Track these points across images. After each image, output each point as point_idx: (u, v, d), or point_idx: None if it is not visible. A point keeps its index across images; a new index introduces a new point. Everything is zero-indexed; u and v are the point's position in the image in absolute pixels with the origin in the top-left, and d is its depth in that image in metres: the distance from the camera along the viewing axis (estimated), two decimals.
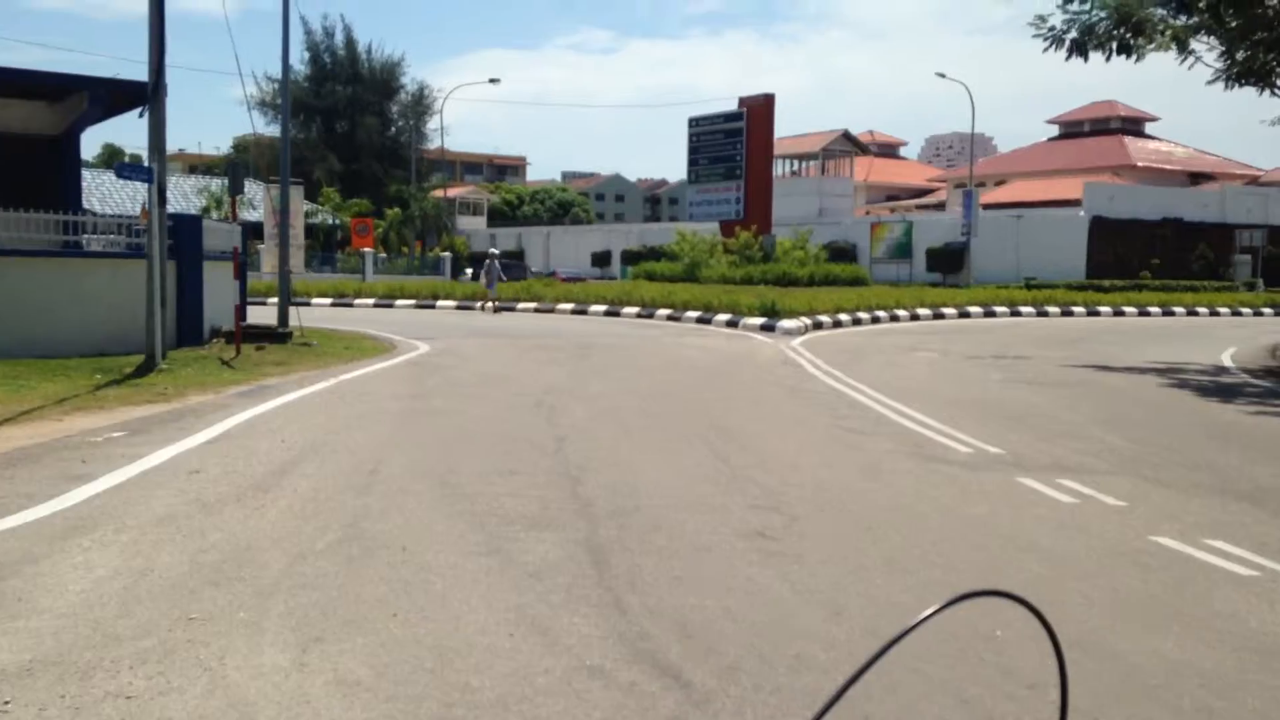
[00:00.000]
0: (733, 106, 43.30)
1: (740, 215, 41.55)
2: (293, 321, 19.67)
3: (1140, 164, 69.41)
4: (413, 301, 33.34)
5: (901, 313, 29.26)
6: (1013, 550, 5.58)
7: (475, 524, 5.92)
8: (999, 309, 32.71)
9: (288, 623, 4.27)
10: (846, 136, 62.48)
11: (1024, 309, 33.36)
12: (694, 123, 44.54)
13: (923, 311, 30.11)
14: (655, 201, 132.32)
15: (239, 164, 15.49)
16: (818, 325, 24.97)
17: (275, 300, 21.88)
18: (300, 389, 12.02)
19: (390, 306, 32.67)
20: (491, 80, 53.62)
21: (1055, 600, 4.70)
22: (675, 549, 5.46)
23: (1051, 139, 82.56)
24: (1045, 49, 18.64)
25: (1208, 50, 19.29)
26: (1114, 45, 18.52)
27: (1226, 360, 19.43)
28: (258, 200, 40.13)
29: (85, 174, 38.82)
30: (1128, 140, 75.28)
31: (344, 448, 8.22)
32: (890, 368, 16.25)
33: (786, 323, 23.88)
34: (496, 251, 33.41)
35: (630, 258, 60.91)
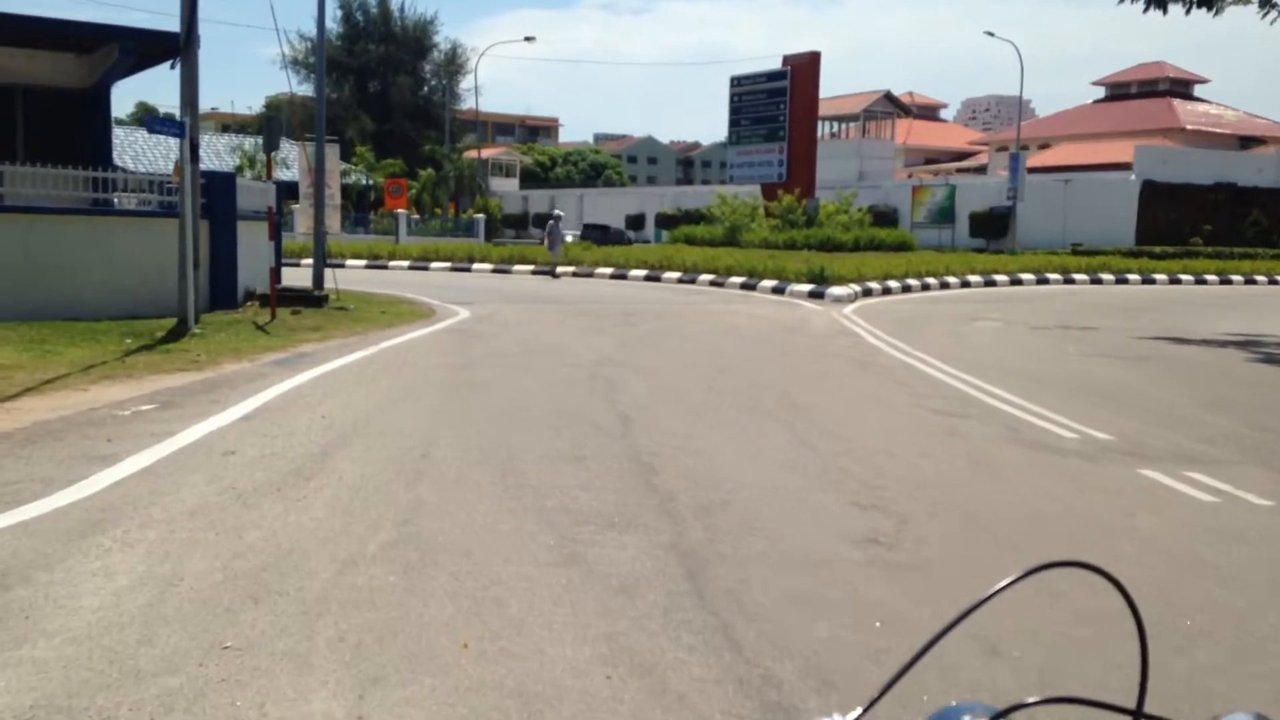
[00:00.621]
0: (776, 65, 41.99)
1: (783, 178, 40.40)
2: (328, 284, 19.04)
3: (1190, 127, 67.49)
4: (448, 264, 32.62)
5: (952, 279, 28.28)
6: (1178, 568, 4.80)
7: (545, 523, 5.21)
8: (1052, 276, 31.62)
9: (339, 655, 3.58)
10: (888, 98, 61.01)
11: (1077, 276, 32.22)
12: (735, 82, 43.22)
13: (973, 278, 29.11)
14: (688, 164, 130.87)
15: (275, 118, 14.78)
16: (867, 292, 24.08)
17: (310, 261, 21.26)
18: (339, 357, 11.36)
19: (425, 269, 31.99)
20: (527, 38, 52.89)
21: (1262, 637, 3.94)
22: (779, 559, 4.73)
23: (1097, 101, 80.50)
24: (1121, 1, 17.60)
25: None
26: None
27: None
28: (292, 159, 39.52)
29: (118, 131, 38.38)
30: (1176, 103, 73.23)
31: (391, 427, 7.53)
32: (955, 339, 15.41)
33: (836, 289, 23.01)
34: (560, 213, 31.13)
35: (665, 221, 59.89)
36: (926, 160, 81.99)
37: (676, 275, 27.85)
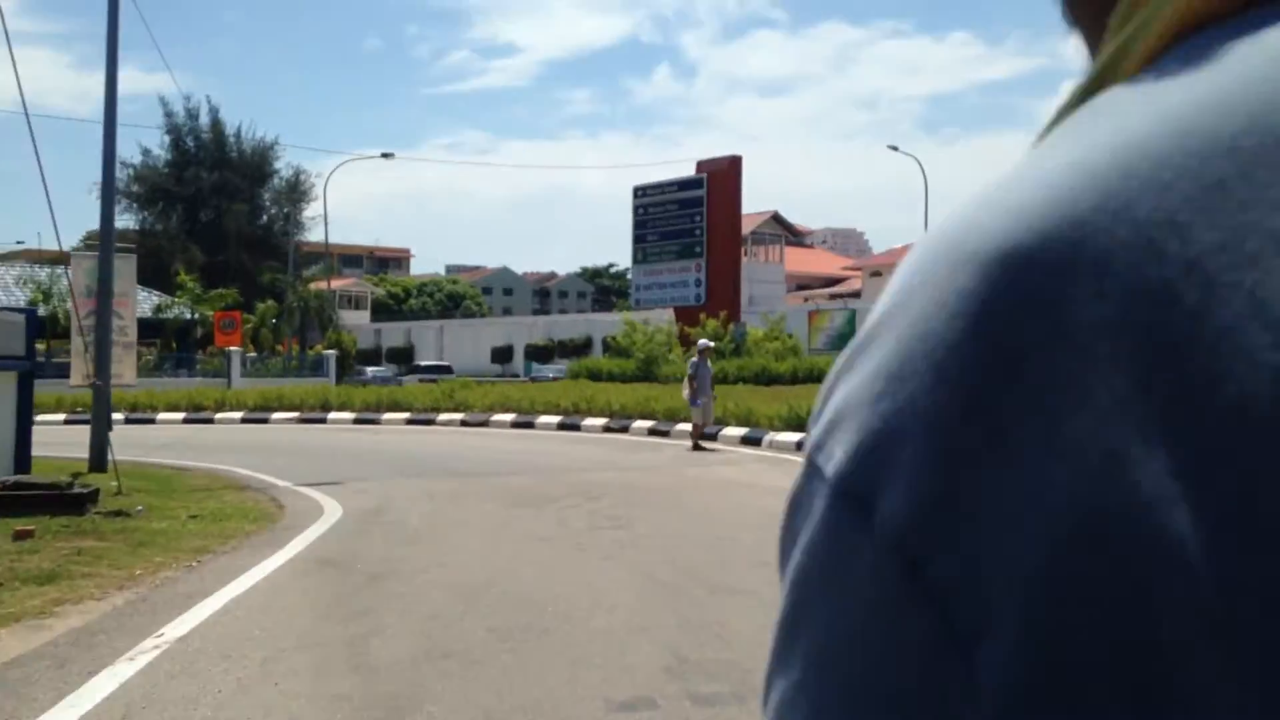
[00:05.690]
0: (688, 172, 36.56)
1: (701, 300, 34.71)
2: (113, 455, 12.08)
3: None
4: (295, 415, 25.44)
5: None
6: None
7: None
8: None
9: None
10: (776, 219, 57.14)
11: None
12: (639, 192, 37.45)
13: None
14: (544, 295, 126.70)
15: None
16: None
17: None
18: (52, 706, 4.58)
19: (265, 422, 24.75)
20: (384, 154, 46.69)
21: None
22: None
23: None
24: None
25: None
26: None
27: None
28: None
29: None
30: None
31: None
32: None
33: None
34: (708, 343, 19.56)
35: (535, 353, 54.58)
36: (798, 286, 78.99)
37: (602, 422, 21.56)
